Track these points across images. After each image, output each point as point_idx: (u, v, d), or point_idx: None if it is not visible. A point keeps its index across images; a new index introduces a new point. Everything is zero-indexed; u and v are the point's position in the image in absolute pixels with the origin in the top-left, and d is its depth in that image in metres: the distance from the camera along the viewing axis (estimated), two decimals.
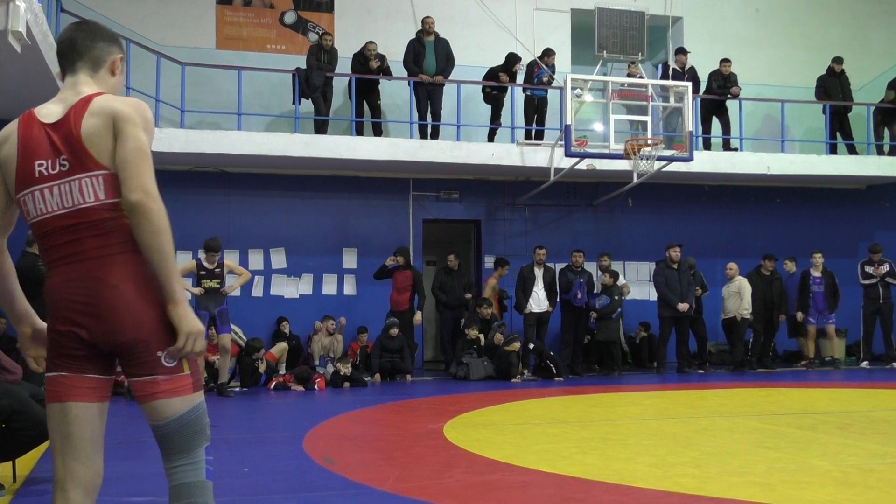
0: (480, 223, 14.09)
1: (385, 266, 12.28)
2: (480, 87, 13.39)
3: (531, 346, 11.91)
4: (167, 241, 2.36)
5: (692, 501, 4.42)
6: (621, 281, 13.03)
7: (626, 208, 14.36)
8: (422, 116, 12.95)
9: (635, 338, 13.89)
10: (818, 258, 13.39)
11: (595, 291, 12.60)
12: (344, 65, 12.86)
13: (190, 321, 2.39)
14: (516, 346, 11.64)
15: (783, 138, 14.49)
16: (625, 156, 11.96)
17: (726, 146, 14.16)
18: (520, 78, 13.50)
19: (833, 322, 13.38)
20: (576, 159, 12.18)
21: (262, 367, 10.94)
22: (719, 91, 13.96)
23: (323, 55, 12.57)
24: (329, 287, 13.26)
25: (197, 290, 9.82)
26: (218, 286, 9.95)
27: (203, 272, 9.93)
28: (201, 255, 10.10)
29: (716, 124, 14.31)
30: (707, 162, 13.43)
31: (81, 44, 2.60)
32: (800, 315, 13.41)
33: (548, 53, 13.29)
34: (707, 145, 14.07)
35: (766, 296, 13.15)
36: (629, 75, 13.22)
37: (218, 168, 12.72)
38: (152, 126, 2.51)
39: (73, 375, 2.43)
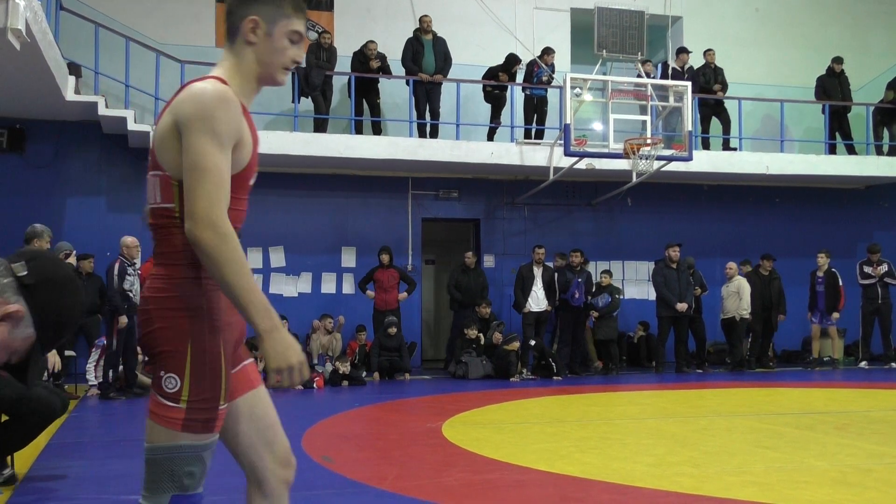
0: (479, 222, 14.08)
1: (368, 281, 12.34)
2: (480, 86, 13.38)
3: (532, 342, 11.93)
4: (233, 273, 2.08)
5: (690, 501, 4.42)
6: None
7: (625, 208, 14.36)
8: (421, 115, 12.94)
9: (633, 337, 13.90)
10: (822, 258, 13.39)
11: (592, 291, 12.62)
12: (343, 63, 12.85)
13: (277, 356, 2.09)
14: (515, 345, 11.65)
15: (782, 138, 14.49)
16: (624, 155, 11.96)
17: (725, 146, 14.17)
18: (519, 77, 13.50)
19: (832, 324, 13.37)
20: (575, 159, 12.18)
21: (260, 366, 10.92)
22: (707, 86, 13.94)
23: (322, 53, 12.56)
24: (328, 286, 13.26)
25: None
26: None
27: None
28: None
29: (716, 124, 14.31)
30: (706, 162, 13.43)
31: (226, 8, 2.26)
32: (809, 315, 13.50)
33: (547, 52, 13.29)
34: (706, 145, 14.07)
35: (765, 296, 13.15)
36: (641, 73, 13.14)
37: None
38: (224, 120, 2.10)
39: None
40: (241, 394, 2.37)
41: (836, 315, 13.28)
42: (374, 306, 12.27)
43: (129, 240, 9.81)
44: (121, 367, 9.84)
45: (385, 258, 12.26)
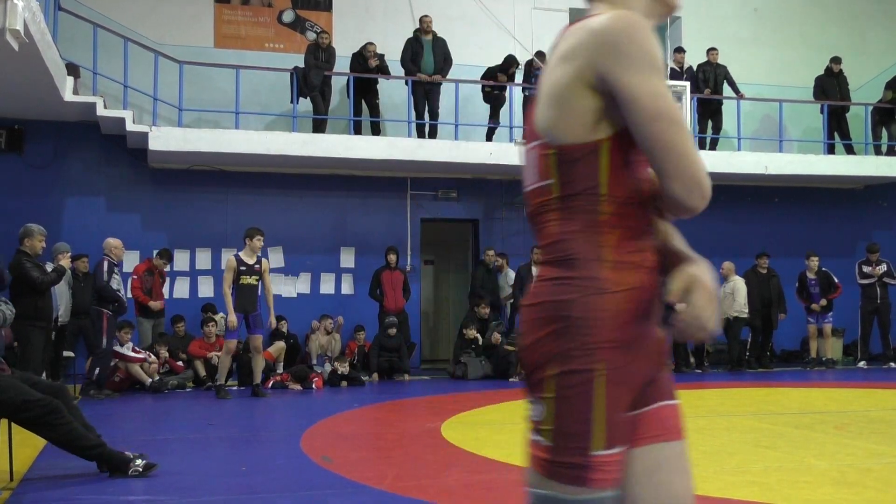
0: (478, 222, 14.08)
1: (376, 287, 12.28)
2: (479, 86, 13.38)
3: None
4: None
5: None
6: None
7: None
8: (420, 116, 12.94)
9: None
10: (813, 261, 13.41)
11: None
12: (342, 64, 12.85)
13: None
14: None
15: (781, 138, 14.50)
16: None
17: (713, 146, 14.16)
18: (518, 77, 13.50)
19: (830, 322, 13.39)
20: None
21: None
22: (707, 84, 13.94)
23: (320, 54, 12.56)
24: (327, 286, 13.25)
25: (232, 321, 9.33)
26: (256, 282, 9.52)
27: (243, 268, 9.42)
28: (244, 251, 9.62)
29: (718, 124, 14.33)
30: (705, 161, 13.38)
31: None
32: (809, 321, 13.51)
33: (539, 56, 13.32)
34: (704, 145, 14.07)
35: (763, 294, 13.16)
36: None
37: (216, 167, 12.70)
38: (659, 54, 1.65)
39: None
40: (640, 444, 1.82)
41: (824, 302, 13.18)
42: (384, 306, 12.21)
43: (114, 241, 9.94)
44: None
45: (392, 258, 12.27)
